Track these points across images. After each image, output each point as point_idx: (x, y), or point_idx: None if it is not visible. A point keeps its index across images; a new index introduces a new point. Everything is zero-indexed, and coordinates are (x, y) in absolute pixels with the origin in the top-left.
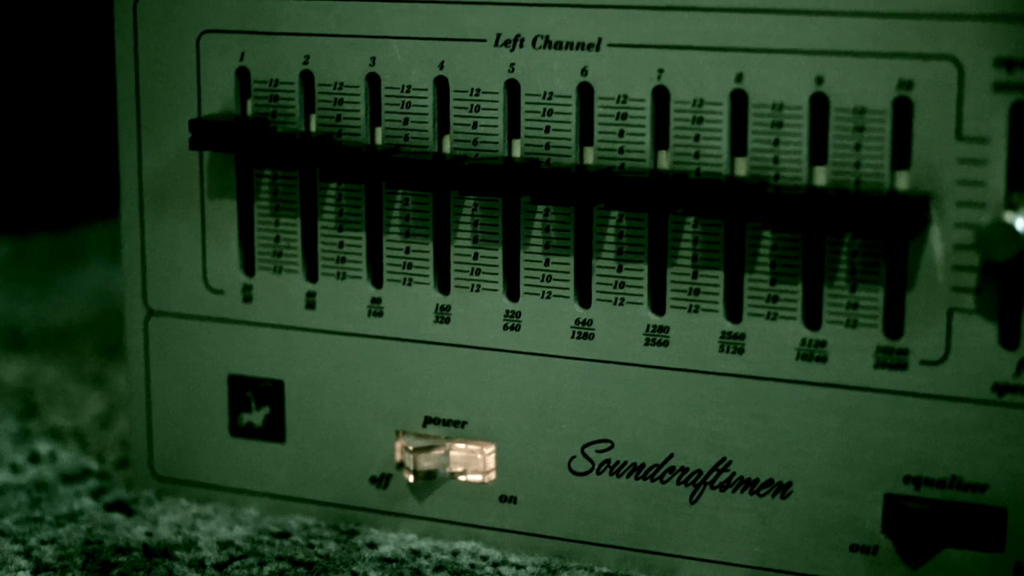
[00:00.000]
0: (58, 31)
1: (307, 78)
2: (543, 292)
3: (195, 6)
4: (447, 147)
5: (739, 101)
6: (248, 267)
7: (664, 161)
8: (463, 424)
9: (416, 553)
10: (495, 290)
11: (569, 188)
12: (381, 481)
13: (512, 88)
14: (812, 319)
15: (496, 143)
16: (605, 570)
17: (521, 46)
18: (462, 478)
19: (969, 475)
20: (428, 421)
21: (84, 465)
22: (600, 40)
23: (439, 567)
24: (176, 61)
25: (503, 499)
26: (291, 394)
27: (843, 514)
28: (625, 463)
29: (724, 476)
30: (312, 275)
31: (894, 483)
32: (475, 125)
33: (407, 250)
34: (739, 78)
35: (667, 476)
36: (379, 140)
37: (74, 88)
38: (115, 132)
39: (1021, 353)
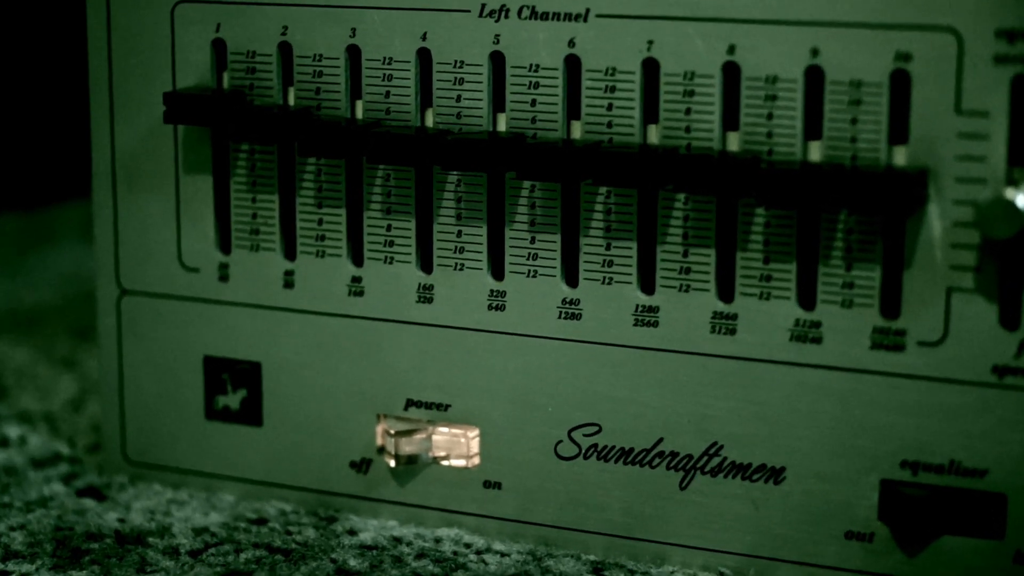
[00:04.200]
0: (26, 3)
1: (285, 50)
2: (529, 271)
3: None
4: (430, 121)
5: (731, 74)
6: (224, 245)
7: (654, 136)
8: (446, 407)
9: (397, 540)
10: (479, 269)
11: (556, 163)
12: (361, 466)
13: (497, 60)
14: (806, 299)
15: (480, 117)
16: (592, 558)
17: (506, 16)
18: (445, 463)
19: (968, 460)
20: (410, 404)
21: (55, 450)
22: (588, 10)
23: (421, 554)
24: (150, 33)
25: (487, 485)
26: (269, 376)
27: (838, 500)
28: (613, 447)
29: (715, 461)
30: (290, 253)
31: (890, 468)
32: (459, 98)
33: (388, 227)
34: (731, 50)
35: (656, 461)
36: (360, 114)
37: (45, 63)
38: (87, 108)
39: (1022, 334)
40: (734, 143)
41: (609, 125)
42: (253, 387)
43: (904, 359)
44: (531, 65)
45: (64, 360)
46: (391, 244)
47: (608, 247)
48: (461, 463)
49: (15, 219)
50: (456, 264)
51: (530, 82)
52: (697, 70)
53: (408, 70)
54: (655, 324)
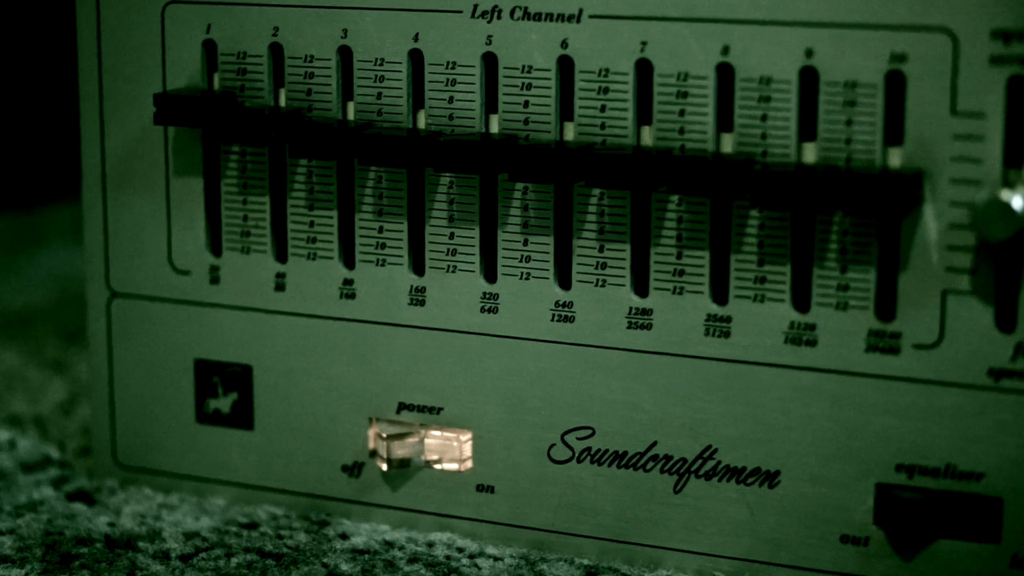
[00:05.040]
0: (15, 3)
1: (276, 51)
2: (521, 273)
3: None
4: (422, 122)
5: (725, 75)
6: (215, 247)
7: (647, 137)
8: (438, 410)
9: (389, 544)
10: (472, 271)
11: (548, 165)
12: (353, 470)
13: (489, 61)
14: (801, 301)
15: (473, 118)
16: (586, 562)
17: (499, 17)
18: (437, 467)
19: (964, 463)
20: (402, 407)
21: (45, 453)
22: (581, 11)
23: (413, 559)
24: (140, 34)
25: (480, 488)
26: (260, 379)
27: (833, 504)
28: (607, 451)
29: (709, 465)
30: (281, 255)
31: (886, 472)
32: (451, 100)
33: (380, 229)
34: (725, 51)
35: (650, 465)
36: (351, 115)
37: (34, 64)
38: (77, 108)
39: (1018, 336)
40: (728, 144)
41: (602, 126)
42: (244, 390)
43: (899, 362)
44: (524, 66)
45: (54, 363)
46: (383, 246)
47: (601, 249)
48: (454, 467)
49: (5, 220)
50: (448, 266)
51: (523, 83)
52: (691, 71)
53: (400, 71)
54: (649, 326)
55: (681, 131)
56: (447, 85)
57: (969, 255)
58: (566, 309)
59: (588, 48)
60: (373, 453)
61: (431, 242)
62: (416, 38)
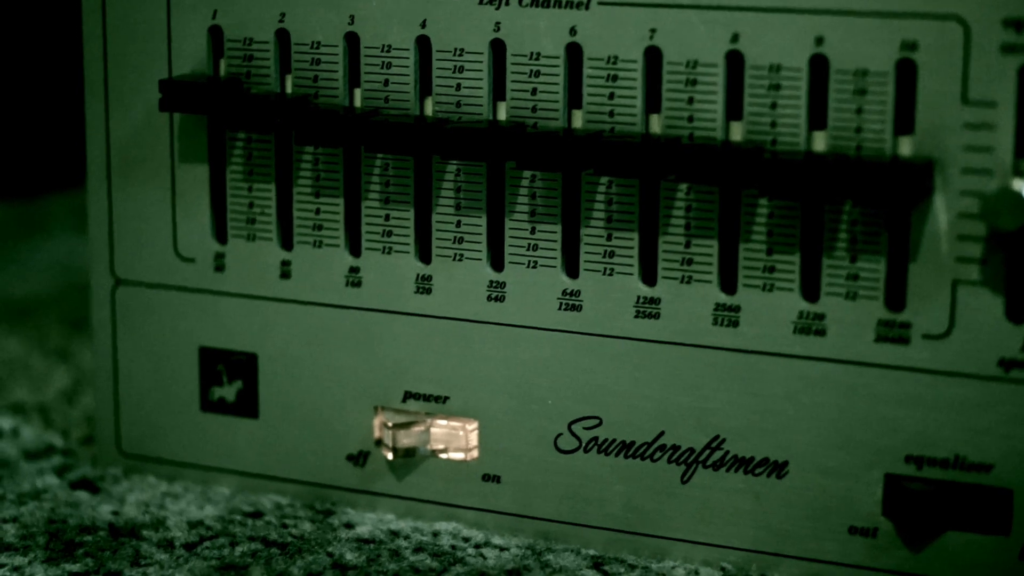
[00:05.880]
0: None
1: (283, 37)
2: (529, 262)
3: None
4: (429, 109)
5: (735, 62)
6: (220, 235)
7: (656, 125)
8: (445, 400)
9: (395, 534)
10: (478, 259)
11: (557, 153)
12: (359, 459)
13: (497, 48)
14: (810, 291)
15: (480, 106)
16: (592, 553)
17: (507, 4)
18: (443, 456)
19: (973, 455)
20: (408, 396)
21: (48, 441)
22: None
23: (419, 548)
24: (145, 19)
25: (486, 478)
26: (265, 368)
27: (841, 495)
28: (614, 441)
29: (717, 455)
30: (287, 243)
31: (895, 463)
32: (458, 87)
33: (387, 217)
34: (735, 38)
35: (658, 454)
36: (358, 102)
37: (39, 51)
38: (81, 95)
39: None
40: (737, 133)
41: (611, 114)
42: (249, 379)
43: (909, 352)
44: (532, 53)
45: (58, 351)
46: (389, 234)
47: (609, 238)
48: (460, 456)
49: (8, 209)
50: (455, 255)
51: (531, 70)
52: (700, 59)
53: (407, 58)
54: (656, 316)
55: (690, 119)
56: (455, 72)
57: (979, 245)
58: (573, 298)
59: (597, 35)
60: (379, 442)
61: (438, 230)
62: (424, 24)
